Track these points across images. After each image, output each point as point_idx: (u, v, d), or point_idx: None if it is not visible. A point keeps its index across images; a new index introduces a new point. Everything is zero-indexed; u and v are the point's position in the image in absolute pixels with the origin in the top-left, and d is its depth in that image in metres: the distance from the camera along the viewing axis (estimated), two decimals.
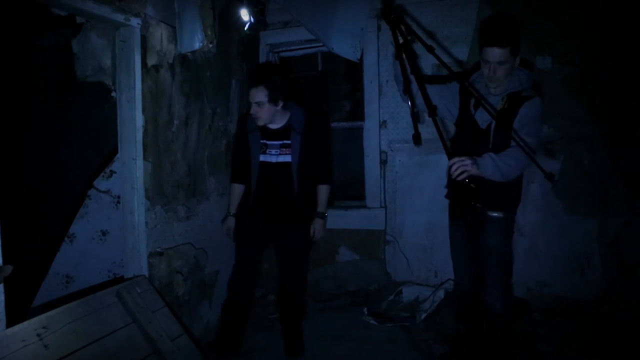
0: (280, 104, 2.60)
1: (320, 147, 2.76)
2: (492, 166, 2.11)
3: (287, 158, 2.66)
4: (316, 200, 2.80)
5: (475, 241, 2.44)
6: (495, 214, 2.34)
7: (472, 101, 2.39)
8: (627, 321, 2.96)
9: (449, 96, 2.49)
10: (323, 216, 2.81)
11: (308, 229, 2.78)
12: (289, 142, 2.65)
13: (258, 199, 2.73)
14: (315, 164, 2.73)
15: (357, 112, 4.02)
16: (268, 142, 2.69)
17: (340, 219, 3.84)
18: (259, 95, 2.53)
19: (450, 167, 2.05)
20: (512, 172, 2.18)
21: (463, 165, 2.03)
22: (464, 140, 2.44)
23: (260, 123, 2.63)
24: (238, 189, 2.86)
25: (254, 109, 2.59)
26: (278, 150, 2.68)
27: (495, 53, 2.16)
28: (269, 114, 2.59)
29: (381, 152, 3.71)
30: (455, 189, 2.39)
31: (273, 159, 2.68)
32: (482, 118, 2.32)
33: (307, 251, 2.99)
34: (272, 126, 2.69)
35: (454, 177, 2.04)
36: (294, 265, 2.84)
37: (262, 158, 2.69)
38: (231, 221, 2.86)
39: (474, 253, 2.46)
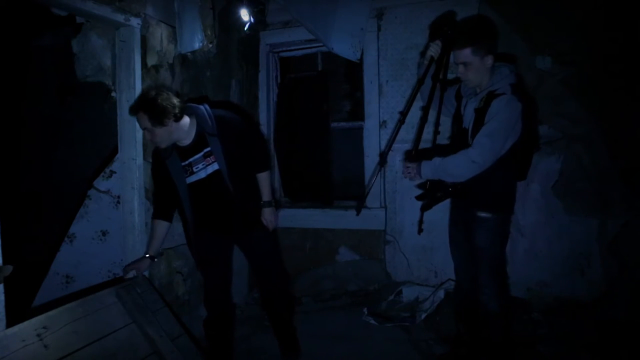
0: (171, 122, 2.28)
1: (243, 136, 2.52)
2: (430, 171, 2.35)
3: (215, 166, 2.43)
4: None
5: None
6: (483, 214, 2.35)
7: (463, 102, 2.45)
8: (627, 321, 2.97)
9: (447, 99, 2.59)
10: (269, 204, 2.61)
11: (264, 226, 2.63)
12: (209, 149, 2.42)
13: (199, 220, 2.52)
14: (247, 156, 2.53)
15: (357, 112, 4.02)
16: (191, 160, 2.44)
17: (340, 219, 3.84)
18: (142, 122, 2.28)
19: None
20: (452, 177, 2.32)
21: (409, 172, 2.42)
22: (454, 138, 2.55)
23: (163, 145, 2.36)
24: (162, 227, 2.50)
25: (147, 136, 2.35)
26: (204, 162, 2.43)
27: (456, 55, 2.32)
28: (164, 136, 2.30)
29: (381, 152, 3.71)
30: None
31: (202, 174, 2.44)
32: (466, 118, 2.39)
33: (275, 246, 2.87)
34: (185, 142, 2.42)
35: (406, 177, 2.48)
36: (266, 267, 2.71)
37: (190, 180, 2.45)
38: (145, 264, 2.47)
39: (473, 253, 2.46)
